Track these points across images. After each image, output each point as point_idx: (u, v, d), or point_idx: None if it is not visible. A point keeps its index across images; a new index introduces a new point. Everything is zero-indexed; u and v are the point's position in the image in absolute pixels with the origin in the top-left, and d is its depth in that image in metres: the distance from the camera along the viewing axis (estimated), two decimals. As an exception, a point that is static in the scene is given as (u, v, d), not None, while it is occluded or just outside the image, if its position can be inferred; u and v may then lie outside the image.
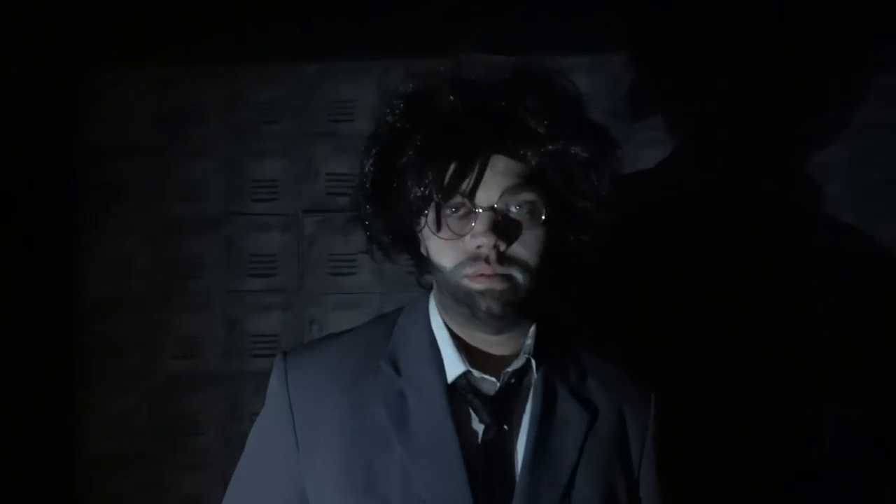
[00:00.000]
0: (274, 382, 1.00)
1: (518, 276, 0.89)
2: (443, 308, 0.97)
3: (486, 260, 0.87)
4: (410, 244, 1.00)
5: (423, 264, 1.00)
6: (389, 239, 0.99)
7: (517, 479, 0.91)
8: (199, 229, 1.93)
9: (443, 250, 0.90)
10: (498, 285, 0.88)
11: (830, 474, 1.72)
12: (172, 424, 1.91)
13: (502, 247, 0.87)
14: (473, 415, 0.93)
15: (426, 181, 0.86)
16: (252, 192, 1.94)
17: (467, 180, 0.86)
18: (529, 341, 0.96)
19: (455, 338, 0.96)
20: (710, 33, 1.87)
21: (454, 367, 0.94)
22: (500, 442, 0.92)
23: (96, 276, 1.92)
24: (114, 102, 1.94)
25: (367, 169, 0.94)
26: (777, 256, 1.87)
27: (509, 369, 0.95)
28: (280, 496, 0.97)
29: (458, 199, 0.88)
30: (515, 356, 0.96)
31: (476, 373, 0.94)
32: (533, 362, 0.96)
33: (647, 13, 1.86)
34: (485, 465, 0.91)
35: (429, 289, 1.03)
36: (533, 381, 0.96)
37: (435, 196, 0.87)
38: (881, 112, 1.92)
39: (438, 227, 0.89)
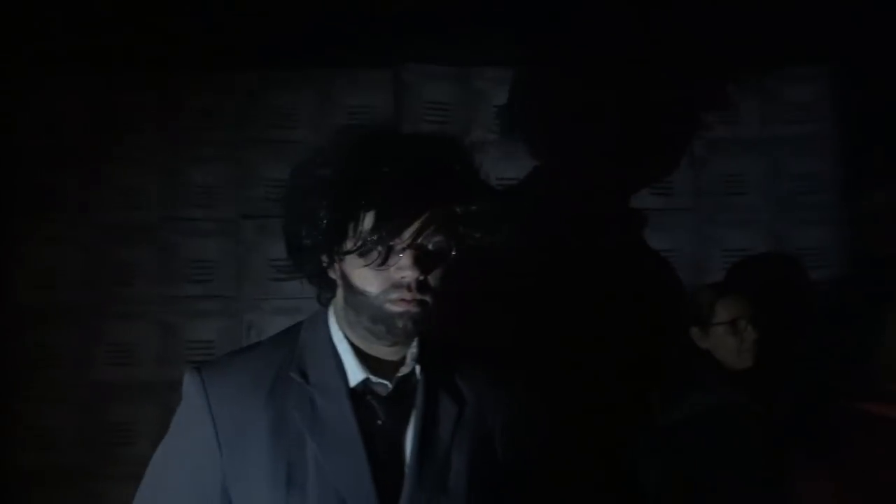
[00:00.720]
0: (191, 396, 1.11)
1: (430, 301, 1.07)
2: (347, 324, 1.14)
3: (408, 288, 1.05)
4: (322, 272, 1.16)
5: (328, 286, 1.16)
6: (317, 267, 1.15)
7: (407, 463, 1.09)
8: (135, 236, 1.92)
9: (369, 279, 1.07)
10: (414, 309, 1.06)
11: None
12: (106, 434, 1.88)
13: (421, 277, 1.05)
14: (372, 413, 1.11)
15: (383, 230, 1.04)
16: (190, 198, 1.94)
17: (409, 228, 1.05)
18: (414, 350, 1.13)
19: (354, 348, 1.13)
20: (610, 46, 1.97)
21: (355, 374, 1.11)
22: (394, 434, 1.11)
23: (27, 284, 1.89)
24: (46, 108, 1.92)
25: (321, 213, 1.09)
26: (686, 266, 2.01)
27: (399, 374, 1.12)
28: (202, 493, 1.09)
29: (397, 239, 1.06)
30: (402, 362, 1.13)
31: (373, 378, 1.11)
32: (417, 368, 1.13)
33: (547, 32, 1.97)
34: (383, 455, 1.09)
35: (326, 305, 1.18)
36: (418, 383, 1.14)
37: (388, 239, 1.05)
38: (791, 127, 2.07)
39: (384, 261, 1.05)
